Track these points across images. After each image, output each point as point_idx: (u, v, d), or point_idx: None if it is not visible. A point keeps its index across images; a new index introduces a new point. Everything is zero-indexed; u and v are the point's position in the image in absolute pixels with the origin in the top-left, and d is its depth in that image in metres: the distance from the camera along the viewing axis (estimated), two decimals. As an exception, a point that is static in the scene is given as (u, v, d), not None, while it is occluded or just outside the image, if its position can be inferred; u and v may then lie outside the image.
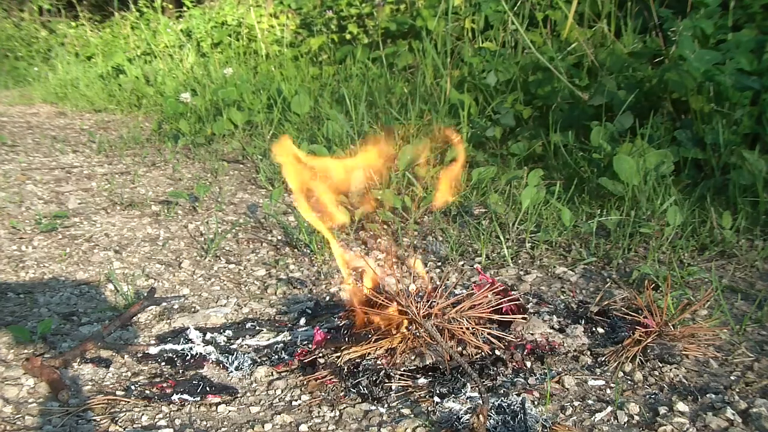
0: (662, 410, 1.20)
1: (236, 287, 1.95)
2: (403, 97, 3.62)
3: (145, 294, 1.84)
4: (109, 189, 3.06)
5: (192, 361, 1.46)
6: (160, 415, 1.26)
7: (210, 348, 1.50)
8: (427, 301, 1.36)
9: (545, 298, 1.72)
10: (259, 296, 1.87)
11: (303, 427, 1.21)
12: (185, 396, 1.30)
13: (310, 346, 1.45)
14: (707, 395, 1.25)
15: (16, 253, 2.23)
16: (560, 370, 1.37)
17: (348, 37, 4.89)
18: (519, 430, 1.10)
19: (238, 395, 1.33)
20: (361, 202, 2.45)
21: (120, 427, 1.23)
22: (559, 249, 2.10)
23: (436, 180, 2.53)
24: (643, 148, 2.34)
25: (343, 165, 1.53)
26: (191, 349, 1.49)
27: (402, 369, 1.34)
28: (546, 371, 1.36)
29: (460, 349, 1.38)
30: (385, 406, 1.26)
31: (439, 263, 2.05)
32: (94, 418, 1.26)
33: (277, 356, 1.47)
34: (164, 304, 1.82)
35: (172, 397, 1.30)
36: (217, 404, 1.29)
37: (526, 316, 1.50)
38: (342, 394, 1.30)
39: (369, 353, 1.36)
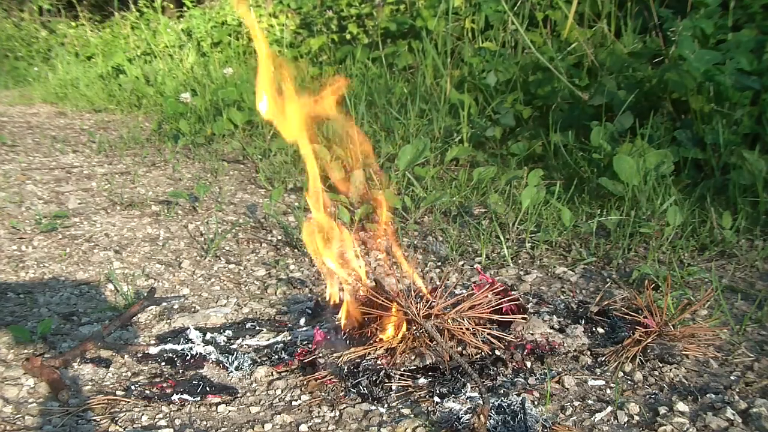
0: (662, 410, 1.20)
1: (236, 287, 1.95)
2: (403, 97, 3.62)
3: (145, 294, 1.84)
4: (109, 189, 3.06)
5: (192, 361, 1.46)
6: (160, 415, 1.26)
7: (210, 348, 1.50)
8: (427, 302, 1.36)
9: (545, 298, 1.72)
10: (259, 296, 1.88)
11: (303, 427, 1.21)
12: (185, 396, 1.30)
13: (310, 346, 1.45)
14: (707, 395, 1.25)
15: (16, 253, 2.23)
16: (560, 370, 1.37)
17: (348, 37, 4.89)
18: (519, 430, 1.10)
19: (238, 395, 1.33)
20: (361, 202, 2.45)
21: (120, 427, 1.23)
22: (559, 249, 2.10)
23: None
24: (643, 148, 2.34)
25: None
26: (191, 349, 1.49)
27: (402, 369, 1.34)
28: (546, 371, 1.36)
29: (460, 349, 1.38)
30: (385, 406, 1.26)
31: (439, 263, 2.05)
32: (94, 418, 1.26)
33: (277, 356, 1.47)
34: (164, 304, 1.82)
35: (172, 397, 1.30)
36: (217, 404, 1.29)
37: (526, 316, 1.50)
38: (342, 394, 1.30)
39: (369, 353, 1.36)
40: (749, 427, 1.15)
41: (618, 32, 3.38)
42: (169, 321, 1.71)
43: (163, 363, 1.47)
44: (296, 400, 1.30)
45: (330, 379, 1.34)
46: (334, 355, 1.38)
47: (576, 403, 1.24)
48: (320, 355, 1.40)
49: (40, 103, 6.83)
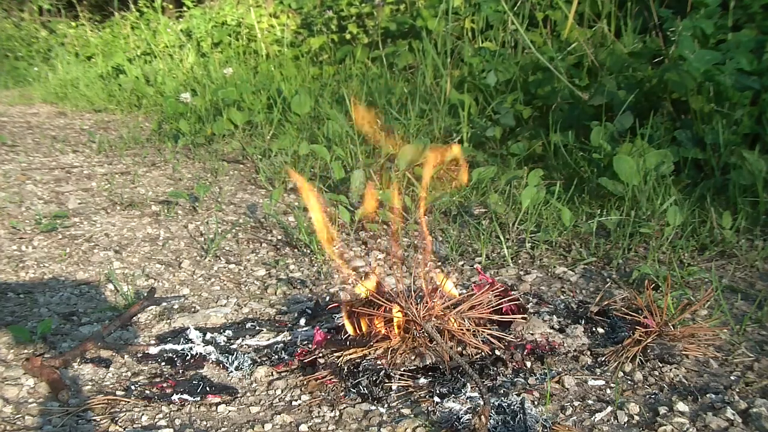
0: (662, 410, 1.20)
1: (236, 287, 1.95)
2: (403, 97, 3.62)
3: (145, 294, 1.84)
4: (109, 189, 3.06)
5: (192, 361, 1.46)
6: (160, 415, 1.26)
7: (210, 348, 1.50)
8: (427, 303, 1.35)
9: (545, 298, 1.72)
10: (259, 296, 1.88)
11: (303, 427, 1.21)
12: (185, 396, 1.30)
13: (310, 346, 1.45)
14: (707, 395, 1.25)
15: (16, 253, 2.23)
16: (560, 370, 1.37)
17: (348, 37, 4.89)
18: (519, 430, 1.10)
19: (238, 395, 1.33)
20: (361, 202, 2.45)
21: (120, 427, 1.23)
22: (559, 249, 2.10)
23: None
24: (643, 148, 2.34)
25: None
26: (191, 349, 1.49)
27: (402, 369, 1.34)
28: (546, 371, 1.36)
29: (460, 349, 1.38)
30: (385, 406, 1.26)
31: (439, 263, 2.05)
32: (94, 418, 1.26)
33: (277, 356, 1.47)
34: (164, 304, 1.82)
35: (172, 397, 1.30)
36: (217, 404, 1.29)
37: (526, 316, 1.50)
38: (342, 394, 1.30)
39: (369, 353, 1.36)
40: (749, 427, 1.15)
41: (618, 32, 3.38)
42: (169, 321, 1.71)
43: (163, 363, 1.47)
44: (296, 400, 1.30)
45: (330, 379, 1.34)
46: (335, 355, 1.38)
47: (576, 403, 1.25)
48: (320, 355, 1.40)
49: (40, 103, 6.83)
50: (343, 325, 1.45)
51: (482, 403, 1.14)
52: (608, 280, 1.86)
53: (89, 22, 9.56)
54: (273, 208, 2.63)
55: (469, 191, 2.61)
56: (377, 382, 1.30)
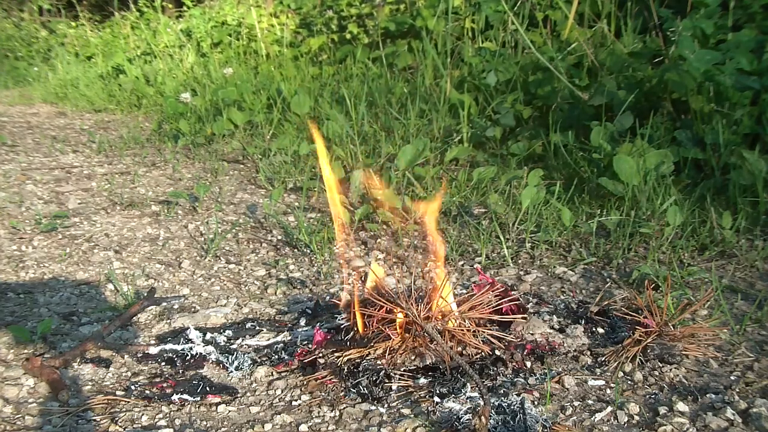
0: (662, 410, 1.20)
1: (236, 287, 1.95)
2: (403, 97, 3.62)
3: (145, 294, 1.84)
4: (109, 189, 3.06)
5: (192, 361, 1.46)
6: (160, 415, 1.26)
7: (210, 348, 1.50)
8: (427, 303, 1.35)
9: (545, 298, 1.72)
10: (259, 296, 1.88)
11: (303, 427, 1.21)
12: (185, 396, 1.30)
13: (310, 346, 1.45)
14: (707, 395, 1.25)
15: (16, 253, 2.23)
16: (560, 370, 1.37)
17: (348, 37, 4.89)
18: (519, 430, 1.10)
19: (238, 395, 1.33)
20: (361, 202, 2.45)
21: (120, 427, 1.23)
22: (559, 249, 2.10)
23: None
24: (643, 148, 2.34)
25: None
26: (191, 349, 1.49)
27: (402, 369, 1.34)
28: (546, 371, 1.36)
29: (460, 349, 1.38)
30: (385, 406, 1.26)
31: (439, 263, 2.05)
32: (94, 418, 1.26)
33: (277, 356, 1.47)
34: (164, 304, 1.82)
35: (172, 397, 1.30)
36: (217, 404, 1.29)
37: (526, 316, 1.50)
38: (342, 394, 1.30)
39: (369, 353, 1.36)
40: (749, 427, 1.15)
41: (618, 32, 3.38)
42: (169, 321, 1.71)
43: (163, 363, 1.47)
44: (296, 400, 1.30)
45: (330, 379, 1.34)
46: (335, 355, 1.38)
47: (576, 403, 1.25)
48: (320, 355, 1.40)
49: (40, 103, 6.83)
50: (347, 324, 1.45)
51: (482, 403, 1.14)
52: (608, 280, 1.86)
53: (89, 22, 9.56)
54: (273, 208, 2.63)
55: (469, 191, 2.61)
56: (377, 382, 1.30)
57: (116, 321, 1.65)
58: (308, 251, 2.20)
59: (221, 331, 1.62)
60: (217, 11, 6.68)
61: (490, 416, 1.12)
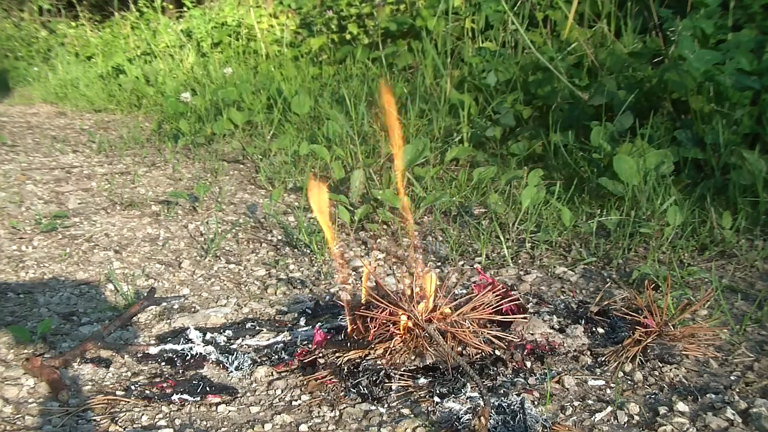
0: (662, 410, 1.20)
1: (236, 287, 1.95)
2: (403, 97, 3.62)
3: (145, 294, 1.84)
4: (109, 189, 3.06)
5: (192, 361, 1.46)
6: (160, 415, 1.26)
7: (210, 348, 1.50)
8: (428, 304, 1.35)
9: (545, 298, 1.72)
10: (259, 296, 1.88)
11: (303, 427, 1.21)
12: (185, 396, 1.30)
13: (310, 346, 1.45)
14: (707, 395, 1.25)
15: (16, 253, 2.23)
16: (560, 370, 1.37)
17: (348, 37, 4.89)
18: (519, 430, 1.10)
19: (238, 395, 1.33)
20: (361, 202, 2.45)
21: (120, 427, 1.23)
22: (559, 249, 2.10)
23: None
24: (643, 148, 2.34)
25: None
26: (191, 349, 1.49)
27: (402, 369, 1.34)
28: (546, 371, 1.36)
29: (460, 349, 1.38)
30: (385, 406, 1.26)
31: (439, 263, 2.05)
32: (94, 418, 1.26)
33: (277, 356, 1.47)
34: (164, 304, 1.82)
35: (172, 397, 1.30)
36: (217, 404, 1.29)
37: (526, 316, 1.50)
38: (342, 394, 1.30)
39: (369, 354, 1.36)
40: (749, 427, 1.14)
41: (618, 32, 3.38)
42: (169, 321, 1.71)
43: (163, 363, 1.47)
44: (296, 400, 1.30)
45: (330, 379, 1.34)
46: (335, 355, 1.38)
47: (576, 403, 1.25)
48: (320, 355, 1.40)
49: (40, 103, 6.83)
50: (348, 324, 1.45)
51: (482, 403, 1.14)
52: (608, 280, 1.86)
53: (89, 22, 9.56)
54: (273, 208, 2.63)
55: (469, 191, 2.61)
56: (377, 382, 1.30)
57: (116, 321, 1.65)
58: (308, 251, 2.20)
59: (221, 331, 1.62)
60: (217, 12, 6.68)
61: (490, 416, 1.12)
